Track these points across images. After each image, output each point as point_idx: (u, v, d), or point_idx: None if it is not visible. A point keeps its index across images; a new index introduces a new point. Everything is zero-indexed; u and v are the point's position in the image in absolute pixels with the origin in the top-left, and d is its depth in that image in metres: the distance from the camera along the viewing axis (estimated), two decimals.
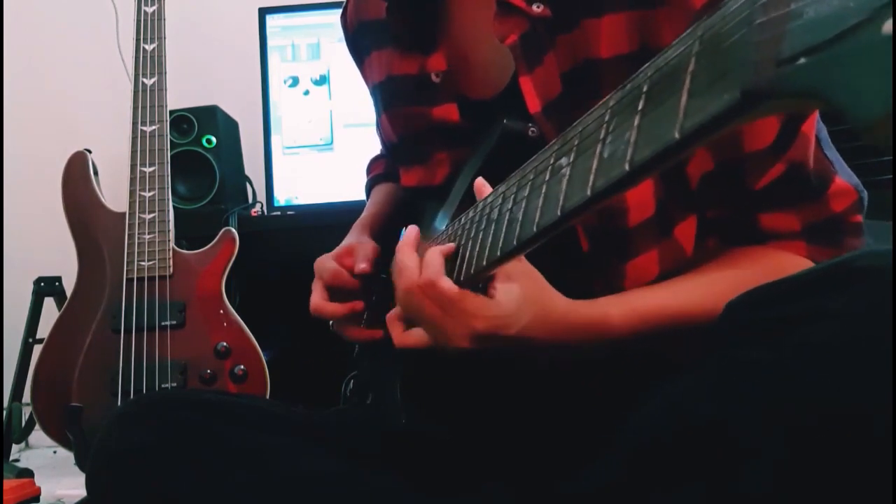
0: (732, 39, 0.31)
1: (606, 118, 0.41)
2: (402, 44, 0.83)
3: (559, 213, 0.45)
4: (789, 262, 0.67)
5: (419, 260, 0.64)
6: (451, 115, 0.79)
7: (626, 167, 0.38)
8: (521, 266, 0.61)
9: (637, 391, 0.56)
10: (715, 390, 0.48)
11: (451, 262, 0.64)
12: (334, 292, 0.87)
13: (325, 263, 0.89)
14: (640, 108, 0.38)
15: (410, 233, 0.69)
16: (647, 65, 0.38)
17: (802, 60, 0.27)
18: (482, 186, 0.64)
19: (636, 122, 0.38)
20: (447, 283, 0.61)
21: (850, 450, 0.42)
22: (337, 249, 0.91)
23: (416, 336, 0.67)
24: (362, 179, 1.16)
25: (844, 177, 0.69)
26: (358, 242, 0.91)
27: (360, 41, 0.93)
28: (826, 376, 0.43)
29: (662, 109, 0.36)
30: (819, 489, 0.43)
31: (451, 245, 0.64)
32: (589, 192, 0.41)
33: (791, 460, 0.43)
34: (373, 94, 0.94)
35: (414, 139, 0.85)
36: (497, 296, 0.61)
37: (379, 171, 1.11)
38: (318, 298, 0.87)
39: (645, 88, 0.38)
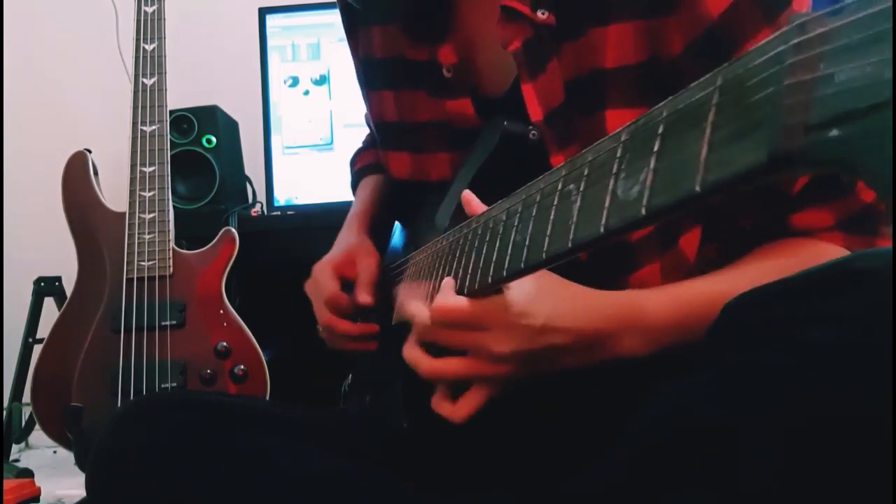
0: (758, 97, 0.31)
1: (619, 153, 0.41)
2: (410, 32, 0.81)
3: (570, 244, 0.44)
4: (830, 252, 0.66)
5: (427, 307, 0.61)
6: (466, 110, 0.78)
7: (643, 211, 0.37)
8: None
9: (638, 391, 0.56)
10: (717, 391, 0.48)
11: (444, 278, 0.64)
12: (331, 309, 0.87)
13: (324, 278, 0.87)
14: (655, 149, 0.37)
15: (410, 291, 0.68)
16: (662, 104, 0.38)
17: (834, 132, 0.26)
18: (470, 200, 0.62)
19: (652, 163, 0.37)
20: (462, 302, 0.58)
21: (852, 451, 0.42)
22: (337, 257, 0.90)
23: (448, 363, 0.62)
24: None
25: None
26: (359, 249, 0.90)
27: (357, 10, 0.89)
28: (828, 378, 0.43)
29: (681, 157, 0.35)
30: (822, 490, 0.43)
31: (451, 280, 0.61)
32: (602, 230, 0.41)
33: (793, 461, 0.43)
34: (369, 65, 0.89)
35: (418, 127, 0.83)
36: (510, 294, 0.58)
37: (368, 161, 1.08)
38: (327, 315, 0.86)
39: (661, 130, 0.37)
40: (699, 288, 0.64)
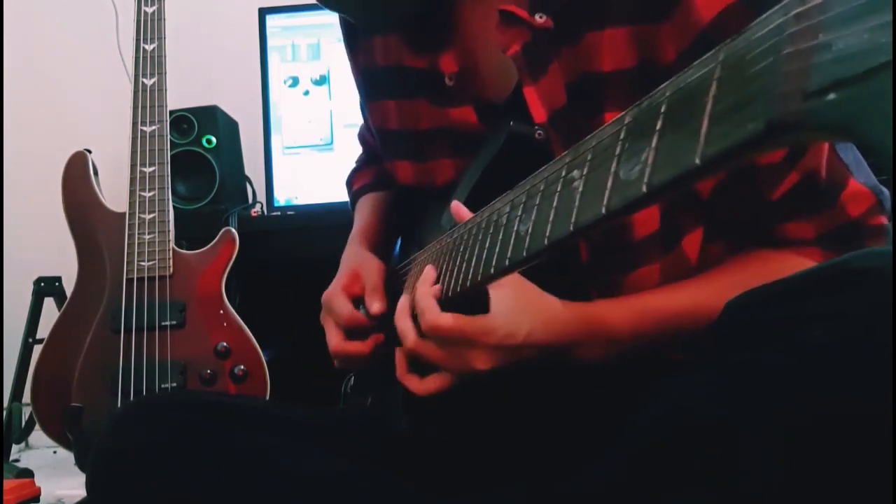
0: (758, 67, 0.31)
1: (622, 135, 0.41)
2: (411, 42, 0.82)
3: (571, 227, 0.45)
4: (802, 267, 0.67)
5: (412, 325, 0.68)
6: (470, 117, 0.78)
7: (644, 188, 0.37)
8: (511, 276, 0.61)
9: (637, 391, 0.56)
10: (717, 391, 0.48)
11: (447, 273, 0.65)
12: (349, 331, 0.86)
13: (337, 303, 0.86)
14: (657, 127, 0.37)
15: (404, 302, 0.71)
16: (665, 84, 0.38)
17: (832, 96, 0.26)
18: (458, 209, 0.66)
19: (654, 142, 0.37)
20: (446, 320, 0.63)
21: (853, 451, 0.42)
22: (343, 278, 0.89)
23: (435, 380, 0.69)
24: None
25: (861, 179, 0.67)
26: (362, 263, 0.89)
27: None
28: (828, 377, 0.43)
29: (682, 132, 0.35)
30: (822, 490, 0.43)
31: (433, 275, 0.67)
32: (604, 210, 0.41)
33: (793, 461, 0.43)
34: (370, 74, 0.90)
35: (421, 135, 0.84)
36: (492, 307, 0.62)
37: (366, 181, 1.08)
38: (337, 340, 0.85)
39: (663, 109, 0.37)
40: (661, 301, 0.68)
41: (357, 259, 0.91)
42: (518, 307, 0.63)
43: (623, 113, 0.41)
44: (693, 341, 0.59)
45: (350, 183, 1.12)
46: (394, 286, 0.89)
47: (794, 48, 0.29)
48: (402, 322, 0.70)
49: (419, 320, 0.65)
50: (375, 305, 0.84)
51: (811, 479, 0.43)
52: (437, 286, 0.67)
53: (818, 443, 0.42)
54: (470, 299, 0.63)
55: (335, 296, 0.87)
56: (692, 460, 0.48)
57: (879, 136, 0.25)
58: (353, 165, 1.15)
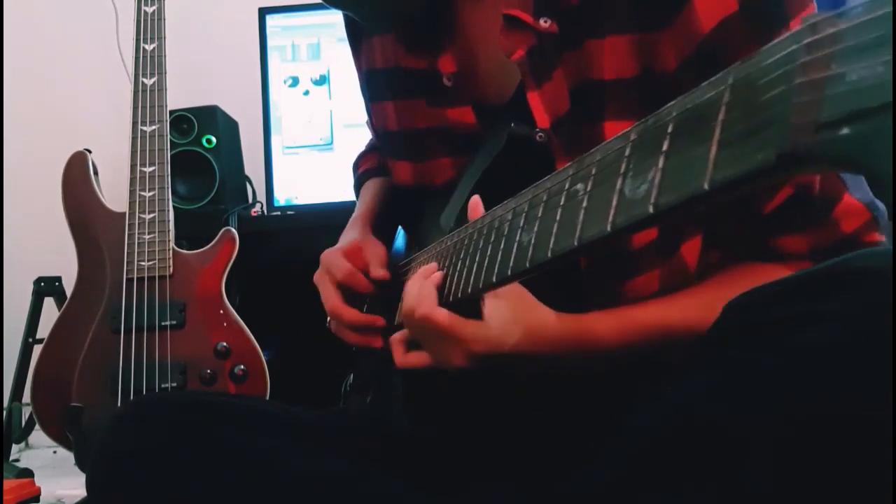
0: (768, 96, 0.30)
1: (627, 152, 0.41)
2: (410, 42, 0.82)
3: (576, 242, 0.44)
4: None
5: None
6: (467, 118, 0.78)
7: (651, 209, 0.37)
8: (509, 284, 0.62)
9: (636, 391, 0.56)
10: (716, 391, 0.48)
11: (447, 276, 0.66)
12: (345, 291, 0.87)
13: (336, 260, 0.88)
14: (664, 148, 0.37)
15: (429, 269, 0.71)
16: (671, 103, 0.38)
17: (845, 130, 0.26)
18: (476, 206, 0.66)
19: (660, 163, 0.37)
20: (442, 315, 0.63)
21: (851, 450, 0.42)
22: (345, 245, 0.90)
23: (416, 357, 0.70)
24: None
25: (857, 195, 0.66)
26: (365, 241, 0.90)
27: (361, 23, 0.90)
28: (827, 377, 0.43)
29: (690, 155, 0.35)
30: (820, 489, 0.43)
31: (440, 274, 0.67)
32: (609, 228, 0.41)
33: (792, 460, 0.43)
34: (371, 76, 0.90)
35: (419, 135, 0.84)
36: (486, 315, 0.63)
37: (371, 165, 1.08)
38: (336, 300, 0.87)
39: (670, 129, 0.37)
40: (651, 314, 0.68)
41: (361, 239, 0.92)
42: (512, 319, 0.63)
43: (628, 129, 0.41)
44: (692, 342, 0.59)
45: (356, 165, 1.13)
46: (392, 284, 0.89)
47: (806, 78, 0.28)
48: (415, 284, 0.70)
49: (418, 303, 0.66)
50: (381, 271, 0.86)
51: (810, 479, 0.43)
52: (439, 273, 0.67)
53: (818, 443, 0.42)
54: (466, 303, 0.63)
55: (335, 256, 0.88)
56: (692, 460, 0.47)
57: (888, 173, 0.25)
58: (351, 165, 1.15)
